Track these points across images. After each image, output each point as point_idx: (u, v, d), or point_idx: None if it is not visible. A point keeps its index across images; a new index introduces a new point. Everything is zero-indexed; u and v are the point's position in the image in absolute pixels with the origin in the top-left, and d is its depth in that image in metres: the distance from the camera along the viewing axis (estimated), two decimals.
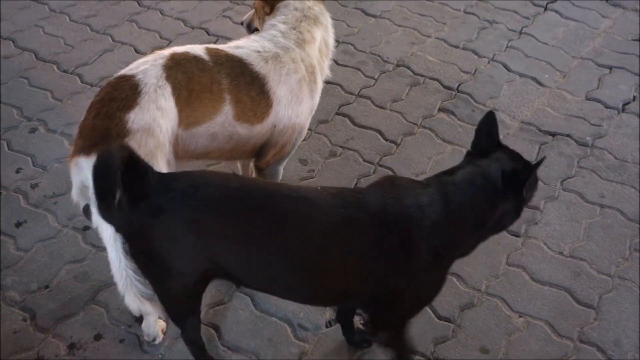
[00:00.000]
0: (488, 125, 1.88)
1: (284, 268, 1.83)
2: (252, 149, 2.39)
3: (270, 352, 2.35)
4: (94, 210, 1.82)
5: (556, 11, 4.12)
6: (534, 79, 3.61)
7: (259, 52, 2.29)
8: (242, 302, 2.50)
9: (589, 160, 3.10)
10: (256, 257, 1.80)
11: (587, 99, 3.49)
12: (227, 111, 2.20)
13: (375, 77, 3.60)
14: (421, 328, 2.39)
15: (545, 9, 4.14)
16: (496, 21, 4.04)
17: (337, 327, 2.39)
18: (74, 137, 2.06)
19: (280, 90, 2.29)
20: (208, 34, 3.92)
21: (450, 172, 1.86)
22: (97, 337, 2.42)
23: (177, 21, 4.05)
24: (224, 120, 2.21)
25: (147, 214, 1.71)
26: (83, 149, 1.94)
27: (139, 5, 4.18)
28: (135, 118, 1.98)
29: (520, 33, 3.95)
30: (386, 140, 3.22)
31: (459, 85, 3.56)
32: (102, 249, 2.66)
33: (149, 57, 2.16)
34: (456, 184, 1.80)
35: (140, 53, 3.77)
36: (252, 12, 2.67)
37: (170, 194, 1.72)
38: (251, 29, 2.69)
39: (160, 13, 4.11)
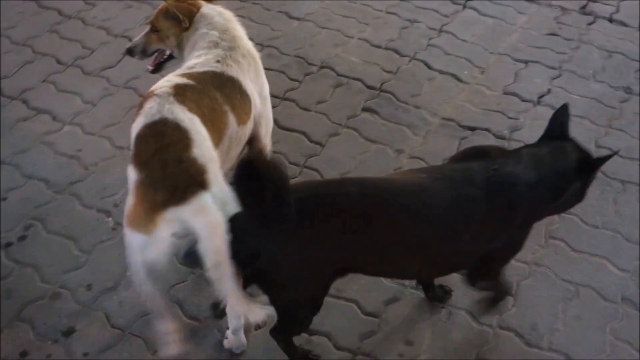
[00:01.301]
0: (561, 116, 2.11)
1: (410, 254, 2.01)
2: (242, 149, 2.47)
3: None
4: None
5: (475, 9, 4.24)
6: (453, 75, 3.72)
7: (218, 61, 2.35)
8: None
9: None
10: (384, 250, 1.94)
11: (505, 93, 3.61)
12: (232, 121, 2.28)
13: (300, 80, 3.65)
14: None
15: (464, 7, 4.25)
16: (417, 20, 4.13)
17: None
18: (134, 200, 1.95)
19: (249, 84, 2.40)
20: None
21: (534, 145, 2.11)
22: (23, 354, 2.41)
23: (99, 30, 4.01)
24: (232, 130, 2.28)
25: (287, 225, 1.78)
26: (170, 201, 1.87)
27: (60, 14, 4.11)
28: (199, 153, 1.98)
29: (440, 31, 4.05)
30: (311, 141, 3.27)
31: (382, 84, 3.64)
32: (26, 264, 2.67)
33: (156, 97, 2.12)
34: (544, 157, 2.02)
35: (61, 64, 3.73)
36: (142, 36, 2.64)
37: (299, 207, 1.77)
38: (148, 53, 2.67)
39: (83, 22, 4.06)
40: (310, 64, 3.77)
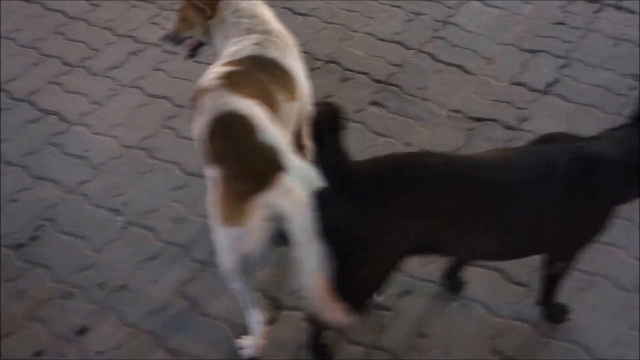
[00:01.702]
0: None
1: (489, 232, 1.97)
2: (296, 128, 2.46)
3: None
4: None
5: (479, 0, 4.23)
6: (460, 67, 3.70)
7: (256, 44, 2.37)
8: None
9: (515, 143, 3.19)
10: (463, 226, 1.92)
11: (512, 83, 3.59)
12: (280, 99, 2.29)
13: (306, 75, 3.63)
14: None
15: None
16: (422, 12, 4.11)
17: (279, 325, 2.43)
18: (221, 197, 2.00)
19: (291, 63, 2.43)
20: (136, 42, 3.90)
21: (618, 128, 2.06)
22: (37, 354, 2.41)
23: (104, 30, 4.01)
24: (282, 108, 2.29)
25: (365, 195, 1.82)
26: (255, 188, 1.92)
27: (64, 16, 4.12)
28: (267, 136, 2.02)
29: (446, 23, 4.03)
30: None
31: (388, 77, 3.62)
32: (38, 265, 2.68)
33: (208, 93, 2.16)
34: (628, 137, 1.99)
35: (67, 65, 3.74)
36: (173, 25, 2.67)
37: (380, 176, 1.82)
38: (179, 41, 2.70)
39: (87, 23, 4.07)
40: (315, 59, 3.76)
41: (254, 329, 2.31)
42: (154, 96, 3.53)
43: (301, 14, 4.10)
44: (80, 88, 3.61)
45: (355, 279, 1.99)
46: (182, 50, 2.78)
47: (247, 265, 2.09)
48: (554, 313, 2.45)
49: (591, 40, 3.86)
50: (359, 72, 3.66)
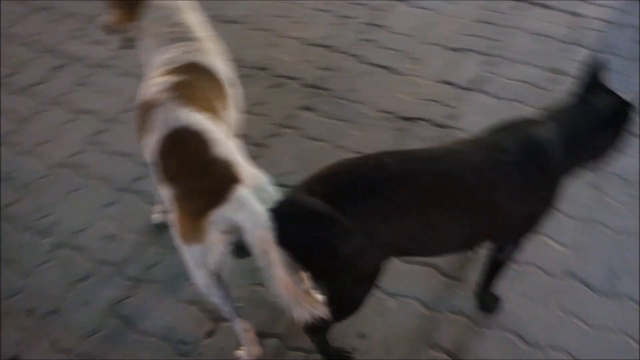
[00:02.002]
0: (593, 68, 2.13)
1: (452, 222, 2.00)
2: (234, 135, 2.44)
3: None
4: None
5: (404, 1, 4.28)
6: (388, 68, 3.74)
7: (187, 52, 2.31)
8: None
9: (445, 141, 3.25)
10: (427, 221, 1.95)
11: (439, 82, 3.65)
12: (220, 107, 2.25)
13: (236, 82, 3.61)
14: None
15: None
16: (348, 16, 4.15)
17: (219, 337, 2.40)
18: (178, 215, 1.96)
19: (221, 70, 2.40)
20: (59, 56, 3.80)
21: (562, 107, 2.15)
22: None
23: (25, 46, 3.90)
24: (222, 117, 2.25)
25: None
26: (210, 204, 1.88)
27: None
28: (220, 150, 1.97)
29: (372, 25, 4.08)
30: (252, 144, 3.23)
31: (318, 82, 3.63)
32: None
33: (158, 108, 2.08)
34: (569, 117, 2.09)
35: None
36: (106, 15, 2.59)
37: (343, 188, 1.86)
38: (112, 31, 2.61)
39: (6, 39, 3.94)
40: (244, 65, 3.72)
41: (243, 338, 2.29)
42: (79, 112, 3.44)
43: (229, 22, 4.07)
44: (2, 106, 3.49)
45: (341, 297, 2.02)
46: (117, 41, 2.68)
47: (219, 279, 2.08)
48: (487, 303, 2.50)
49: (513, 37, 3.97)
50: (288, 78, 3.66)
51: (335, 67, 3.74)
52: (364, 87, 3.60)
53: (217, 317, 2.48)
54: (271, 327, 2.44)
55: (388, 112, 3.44)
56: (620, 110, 2.07)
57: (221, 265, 2.01)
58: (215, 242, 1.93)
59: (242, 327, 2.26)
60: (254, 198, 1.89)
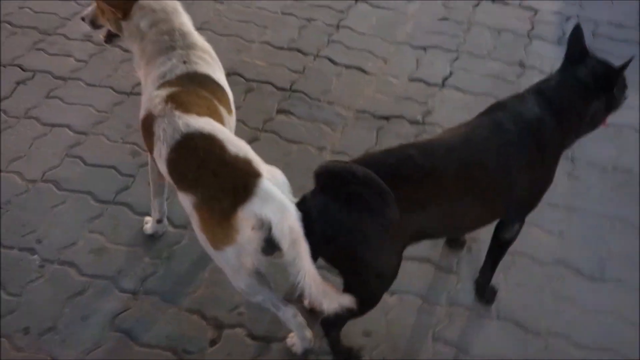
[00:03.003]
0: (576, 37, 2.21)
1: (473, 203, 2.10)
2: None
3: None
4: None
5: (367, 2, 4.35)
6: (359, 68, 3.79)
7: (185, 62, 2.30)
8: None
9: (424, 137, 3.32)
10: (451, 204, 2.05)
11: (411, 80, 3.72)
12: (223, 112, 2.27)
13: None
14: None
15: (357, 0, 4.35)
16: (313, 18, 4.18)
17: (223, 344, 2.39)
18: (205, 220, 1.97)
19: (220, 76, 2.40)
20: (23, 69, 3.69)
21: (548, 79, 2.25)
22: None
23: None
24: (227, 122, 2.26)
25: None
26: (238, 201, 1.88)
27: None
28: (234, 148, 1.99)
29: (338, 27, 4.12)
30: None
31: (292, 85, 3.65)
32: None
33: (162, 119, 2.09)
34: (554, 89, 2.18)
35: None
36: (93, 7, 2.54)
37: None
38: (96, 26, 2.58)
39: None
40: None
41: (293, 324, 2.28)
42: (51, 125, 3.34)
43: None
44: None
45: (367, 285, 2.08)
46: (100, 35, 2.64)
47: (260, 276, 2.07)
48: (485, 294, 2.57)
49: (475, 33, 4.09)
50: (262, 82, 3.66)
51: (307, 69, 3.77)
52: (338, 88, 3.64)
53: (219, 324, 2.47)
54: (277, 331, 2.44)
55: (364, 112, 3.49)
56: (606, 76, 2.16)
57: (259, 262, 2.00)
58: (248, 240, 1.92)
59: (291, 314, 2.24)
60: (278, 190, 1.91)
